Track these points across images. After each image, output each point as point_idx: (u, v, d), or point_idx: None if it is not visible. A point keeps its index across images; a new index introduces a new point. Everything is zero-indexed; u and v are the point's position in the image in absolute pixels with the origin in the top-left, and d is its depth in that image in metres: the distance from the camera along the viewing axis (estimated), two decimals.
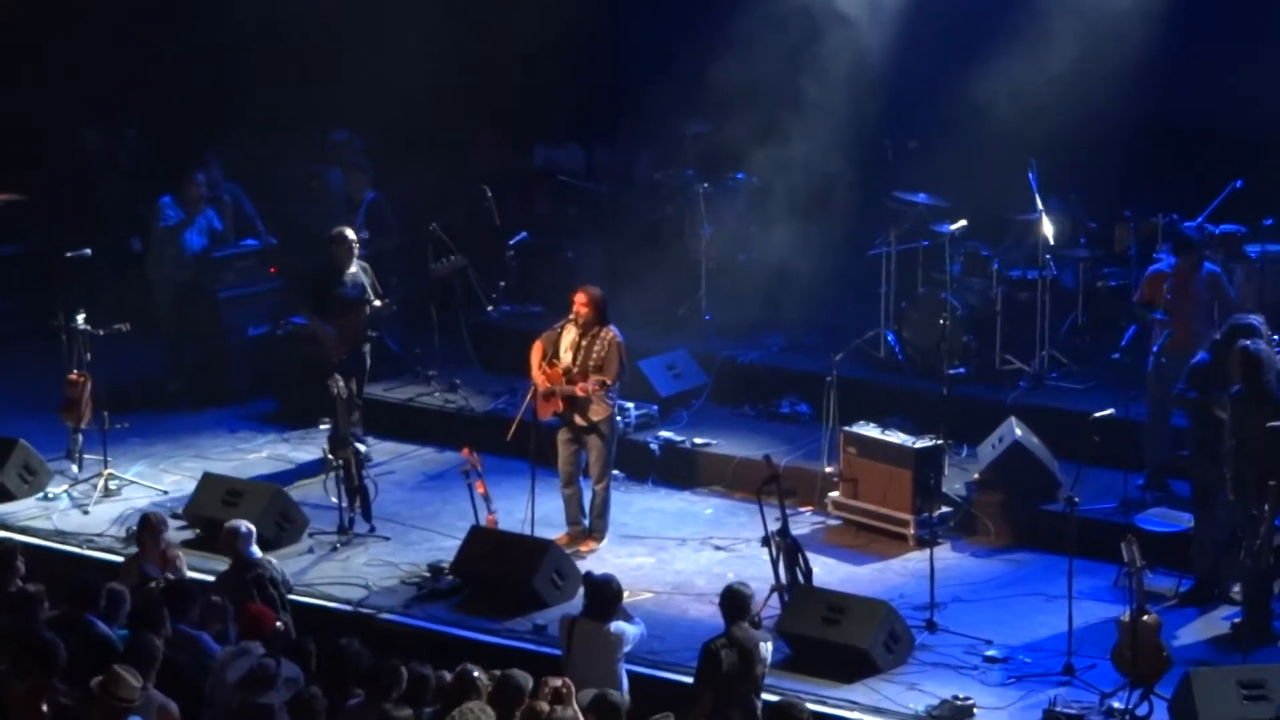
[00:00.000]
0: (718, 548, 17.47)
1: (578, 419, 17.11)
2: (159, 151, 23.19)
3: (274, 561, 15.73)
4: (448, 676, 12.85)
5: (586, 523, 17.33)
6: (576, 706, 12.53)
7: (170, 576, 15.12)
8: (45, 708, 12.34)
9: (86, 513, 18.14)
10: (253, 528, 15.41)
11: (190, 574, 15.57)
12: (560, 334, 17.14)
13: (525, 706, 12.52)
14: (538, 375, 17.08)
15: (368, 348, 19.01)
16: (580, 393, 16.93)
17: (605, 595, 14.07)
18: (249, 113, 22.33)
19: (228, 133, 22.33)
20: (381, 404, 19.62)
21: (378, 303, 18.85)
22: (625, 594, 14.42)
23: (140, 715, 12.12)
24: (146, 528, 15.58)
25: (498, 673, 12.64)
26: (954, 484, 17.80)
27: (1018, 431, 17.63)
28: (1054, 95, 19.26)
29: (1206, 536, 15.91)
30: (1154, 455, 17.45)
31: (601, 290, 17.23)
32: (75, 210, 22.79)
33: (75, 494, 18.50)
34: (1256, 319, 15.98)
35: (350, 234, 19.01)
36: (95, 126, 23.94)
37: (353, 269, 18.85)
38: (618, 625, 13.97)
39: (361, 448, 17.91)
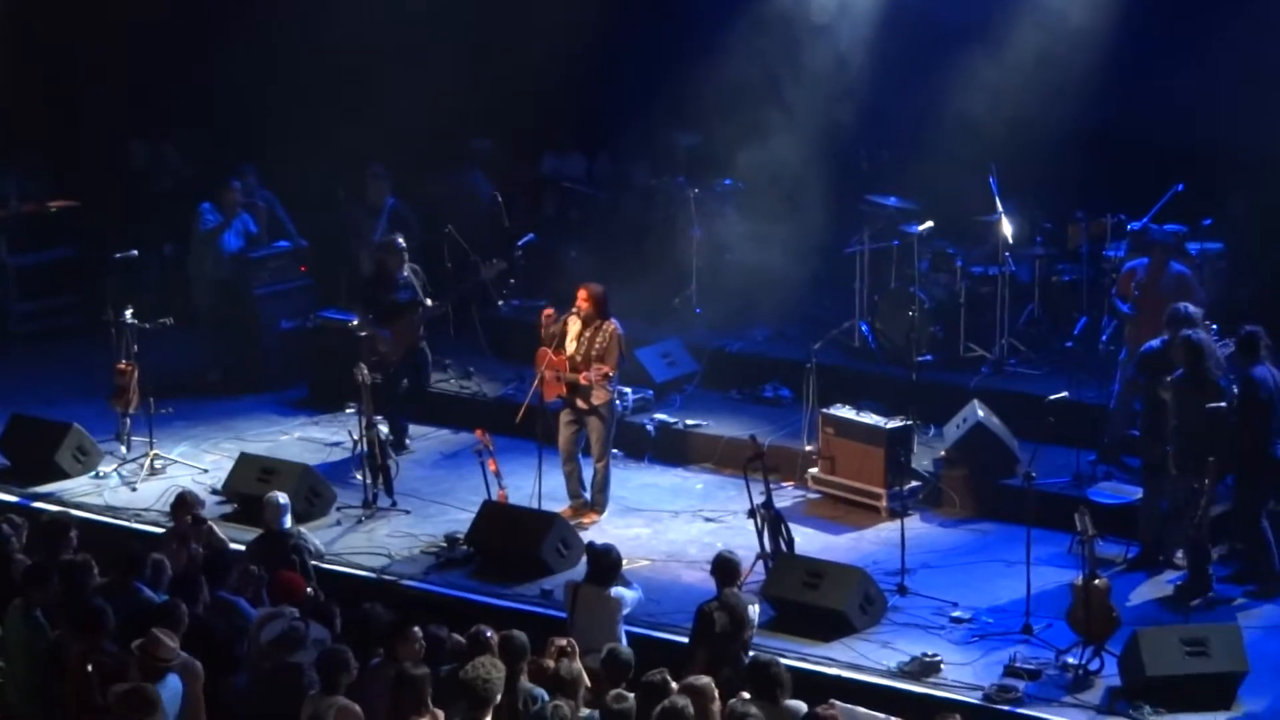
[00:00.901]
0: (708, 519, 17.38)
1: (580, 403, 17.01)
2: (199, 164, 23.11)
3: (304, 531, 15.68)
4: (459, 639, 12.80)
5: (588, 496, 17.23)
6: (580, 663, 12.46)
7: (201, 548, 15.01)
8: (90, 668, 12.24)
9: (134, 490, 18.06)
10: (288, 501, 15.37)
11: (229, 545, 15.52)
12: (565, 326, 17.04)
13: (533, 663, 12.46)
14: (543, 352, 16.93)
15: (424, 344, 18.95)
16: (584, 381, 16.84)
17: (606, 563, 13.99)
18: (283, 128, 22.24)
19: (263, 146, 22.26)
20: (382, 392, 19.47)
21: (430, 303, 18.78)
22: (624, 561, 14.35)
23: (176, 673, 12.06)
24: (181, 504, 15.49)
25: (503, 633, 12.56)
26: (922, 461, 17.73)
27: (980, 413, 17.55)
28: (1012, 107, 19.17)
29: (1152, 508, 15.84)
30: (1114, 433, 17.37)
31: (603, 287, 17.12)
32: (123, 216, 22.71)
33: (124, 473, 18.41)
34: (1195, 308, 15.90)
35: (401, 241, 18.91)
36: (142, 140, 23.86)
37: (404, 273, 18.75)
38: (618, 590, 13.89)
39: (383, 429, 17.82)
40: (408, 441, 19.02)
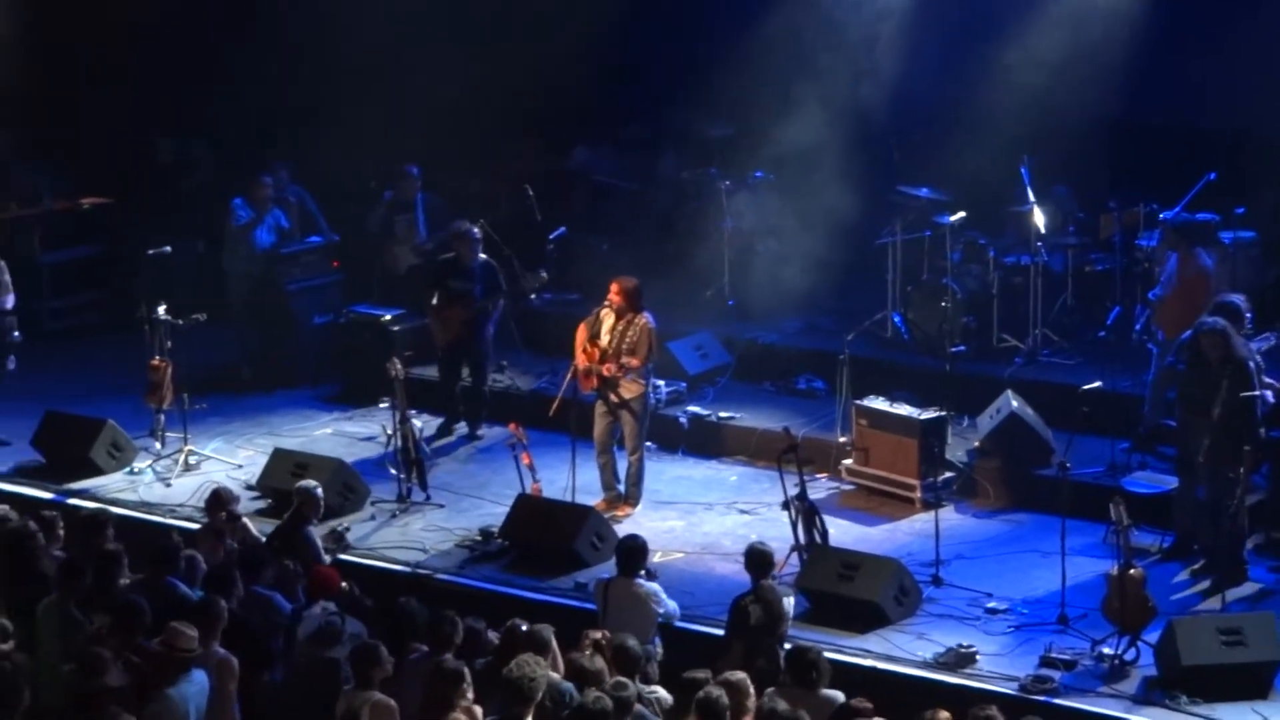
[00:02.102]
0: (742, 511, 17.35)
1: (612, 396, 16.99)
2: (231, 159, 23.13)
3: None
4: (491, 635, 12.80)
5: (621, 488, 17.21)
6: (603, 657, 12.40)
7: (236, 544, 15.02)
8: (120, 665, 12.21)
9: (169, 485, 18.07)
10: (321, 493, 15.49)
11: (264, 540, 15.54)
12: (601, 319, 17.01)
13: (566, 658, 12.44)
14: (580, 355, 16.97)
15: (489, 333, 18.96)
16: (606, 373, 16.83)
17: (630, 548, 13.94)
18: (316, 123, 22.24)
19: (295, 142, 22.26)
20: (436, 384, 19.48)
21: (487, 300, 18.78)
22: (658, 554, 14.33)
23: (201, 666, 12.03)
24: (216, 500, 15.52)
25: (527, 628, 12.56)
26: (956, 452, 17.66)
27: (1014, 403, 17.49)
28: (1045, 95, 19.17)
29: (1187, 497, 15.76)
30: (1150, 422, 17.31)
31: (635, 280, 17.06)
32: (156, 213, 22.73)
33: (158, 468, 18.42)
34: (1238, 298, 15.87)
35: (477, 231, 18.88)
36: (173, 137, 23.89)
37: (474, 264, 18.72)
38: (650, 586, 13.83)
39: (417, 424, 17.76)
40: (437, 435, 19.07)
